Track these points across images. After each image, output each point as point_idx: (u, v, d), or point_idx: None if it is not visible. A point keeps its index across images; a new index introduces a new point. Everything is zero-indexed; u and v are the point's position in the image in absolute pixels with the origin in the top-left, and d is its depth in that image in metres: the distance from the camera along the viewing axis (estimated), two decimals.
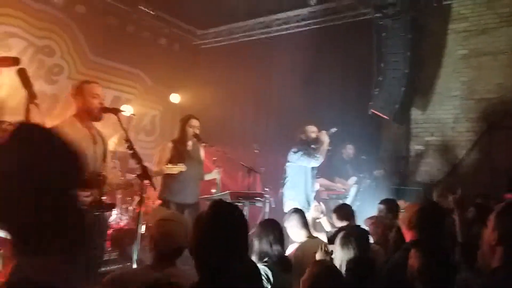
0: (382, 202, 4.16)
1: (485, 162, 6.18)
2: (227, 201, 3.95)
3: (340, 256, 2.80)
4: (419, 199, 3.32)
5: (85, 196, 3.00)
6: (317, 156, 5.06)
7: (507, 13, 6.29)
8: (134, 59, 7.79)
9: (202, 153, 4.60)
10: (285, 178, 5.26)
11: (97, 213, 3.15)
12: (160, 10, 7.95)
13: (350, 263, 2.64)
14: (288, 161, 5.28)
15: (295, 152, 5.17)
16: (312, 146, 5.18)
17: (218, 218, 1.58)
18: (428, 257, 2.15)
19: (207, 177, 4.67)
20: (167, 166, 3.99)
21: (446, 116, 6.67)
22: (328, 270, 2.18)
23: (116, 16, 7.45)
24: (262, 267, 2.84)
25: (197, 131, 4.41)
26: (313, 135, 5.23)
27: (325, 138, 5.15)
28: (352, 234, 3.02)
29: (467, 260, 2.65)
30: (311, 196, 5.17)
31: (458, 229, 3.09)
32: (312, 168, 5.20)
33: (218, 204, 1.66)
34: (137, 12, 7.66)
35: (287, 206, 5.01)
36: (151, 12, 7.79)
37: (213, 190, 4.69)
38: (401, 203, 4.25)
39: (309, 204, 5.02)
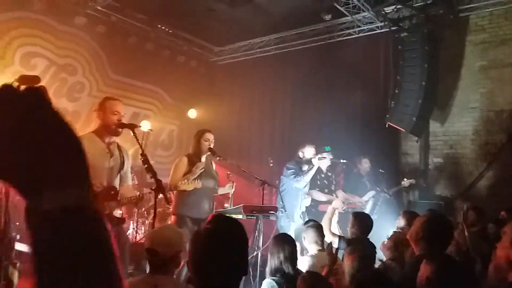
0: (402, 214, 4.10)
1: (506, 174, 6.02)
2: (231, 215, 4.01)
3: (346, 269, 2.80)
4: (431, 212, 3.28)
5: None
6: (301, 179, 5.20)
7: None
8: (153, 76, 7.98)
9: (214, 167, 4.64)
10: (279, 189, 5.34)
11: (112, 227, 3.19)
12: (178, 28, 8.15)
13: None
14: (283, 174, 5.43)
15: (287, 169, 5.34)
16: (305, 167, 5.31)
17: (216, 233, 1.54)
18: (439, 268, 2.11)
19: (220, 191, 4.67)
20: (182, 182, 3.96)
21: (465, 129, 6.55)
22: (314, 283, 2.16)
23: (136, 34, 7.67)
24: (268, 281, 2.83)
25: (212, 145, 4.44)
26: (308, 157, 5.37)
27: (316, 163, 5.24)
28: (358, 249, 3.02)
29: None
30: (299, 211, 5.24)
31: (469, 244, 3.05)
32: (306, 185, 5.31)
33: (216, 219, 1.62)
34: (155, 30, 7.88)
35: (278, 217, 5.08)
36: (168, 30, 7.99)
37: (226, 205, 4.69)
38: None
39: (294, 219, 5.14)
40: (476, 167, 6.37)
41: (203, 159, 4.38)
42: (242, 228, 1.60)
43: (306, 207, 5.49)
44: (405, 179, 6.16)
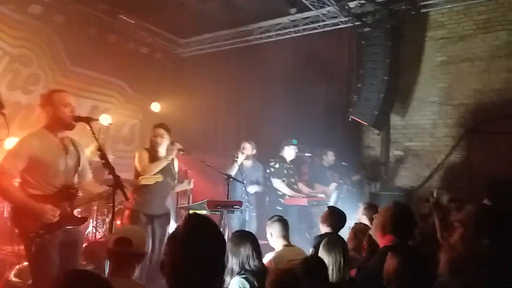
0: (362, 205, 4.17)
1: (463, 166, 6.25)
2: (203, 213, 3.95)
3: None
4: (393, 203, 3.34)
5: (53, 212, 2.94)
6: (229, 171, 5.38)
7: (483, 20, 6.42)
8: (115, 68, 7.71)
9: (176, 163, 4.56)
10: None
11: (68, 227, 3.08)
12: (142, 19, 7.91)
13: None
14: None
15: None
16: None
17: (194, 235, 1.50)
18: (405, 260, 2.14)
19: (178, 188, 4.62)
20: (142, 177, 3.92)
21: (424, 122, 6.74)
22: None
23: (97, 25, 7.37)
24: (239, 279, 2.78)
25: (159, 139, 4.36)
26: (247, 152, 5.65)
27: (240, 157, 5.50)
28: (334, 242, 3.02)
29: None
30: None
31: (438, 232, 3.12)
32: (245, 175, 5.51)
33: (195, 220, 1.57)
34: (118, 21, 7.61)
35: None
36: (132, 21, 7.74)
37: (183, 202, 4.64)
38: None
39: None
40: (435, 159, 6.58)
41: (161, 153, 4.31)
42: (219, 230, 1.58)
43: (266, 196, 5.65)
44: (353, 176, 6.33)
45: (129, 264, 2.25)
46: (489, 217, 1.90)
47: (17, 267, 3.90)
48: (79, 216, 3.37)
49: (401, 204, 2.99)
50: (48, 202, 2.97)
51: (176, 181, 4.53)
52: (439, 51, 6.76)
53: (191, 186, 4.64)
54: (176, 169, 4.56)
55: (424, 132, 6.73)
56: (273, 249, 3.60)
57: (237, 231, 3.26)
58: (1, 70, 6.15)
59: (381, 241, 2.73)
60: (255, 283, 2.78)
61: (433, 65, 6.78)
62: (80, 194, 3.35)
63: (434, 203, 3.45)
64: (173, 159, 4.44)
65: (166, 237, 4.42)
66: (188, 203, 5.63)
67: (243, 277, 2.81)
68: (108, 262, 2.34)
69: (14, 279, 3.86)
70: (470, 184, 5.99)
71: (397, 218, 2.66)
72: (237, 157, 5.47)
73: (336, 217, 3.87)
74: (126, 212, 4.20)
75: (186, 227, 1.52)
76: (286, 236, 3.63)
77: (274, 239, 3.61)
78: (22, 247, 3.05)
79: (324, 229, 3.88)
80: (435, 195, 4.13)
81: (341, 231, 3.84)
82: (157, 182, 3.97)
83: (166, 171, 4.28)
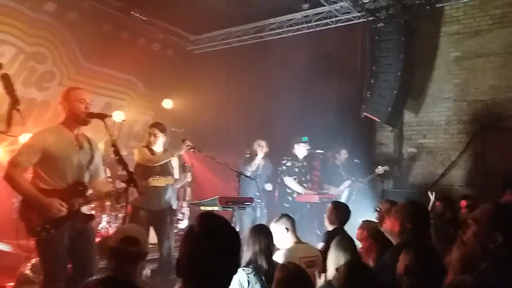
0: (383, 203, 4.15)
1: (478, 163, 6.16)
2: (216, 212, 3.95)
3: (336, 260, 2.78)
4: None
5: (60, 207, 2.98)
6: (247, 168, 5.45)
7: (500, 14, 6.30)
8: (128, 65, 7.73)
9: (175, 160, 4.61)
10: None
11: (76, 223, 3.12)
12: (154, 16, 7.94)
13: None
14: None
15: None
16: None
17: (209, 234, 1.49)
18: (418, 258, 2.13)
19: (177, 183, 4.66)
20: (153, 178, 3.95)
21: (439, 118, 6.65)
22: (293, 273, 2.14)
23: (110, 22, 7.42)
24: (241, 273, 2.78)
25: (153, 138, 4.51)
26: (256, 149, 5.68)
27: (259, 154, 5.58)
28: (346, 239, 3.01)
29: None
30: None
31: (433, 237, 3.14)
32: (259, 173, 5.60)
33: (208, 217, 1.55)
34: (130, 18, 7.65)
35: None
36: (144, 18, 7.78)
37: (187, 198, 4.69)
38: None
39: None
40: (449, 156, 6.50)
41: (159, 151, 4.43)
42: (234, 229, 1.59)
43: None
44: (379, 166, 6.23)
45: (133, 263, 2.25)
46: (503, 214, 1.86)
47: (33, 261, 3.95)
48: (87, 213, 3.39)
49: (416, 202, 2.98)
50: (57, 198, 3.01)
51: (175, 177, 4.57)
52: (454, 47, 6.66)
53: (189, 179, 4.69)
54: (176, 165, 4.62)
55: (438, 129, 6.65)
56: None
57: (255, 226, 3.26)
58: (16, 68, 6.23)
59: (396, 238, 2.73)
60: (263, 278, 2.79)
61: (448, 60, 6.68)
62: (90, 192, 3.38)
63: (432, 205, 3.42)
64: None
65: (171, 231, 4.49)
66: (185, 196, 5.71)
67: (247, 272, 2.81)
68: (109, 261, 2.33)
69: (29, 273, 3.92)
70: (484, 181, 5.90)
71: (412, 215, 2.67)
72: (256, 154, 5.49)
73: (341, 211, 3.90)
74: (128, 207, 4.25)
75: (201, 225, 1.51)
76: (294, 231, 3.60)
77: (289, 234, 3.54)
78: (32, 241, 3.10)
79: (331, 226, 3.87)
80: (433, 198, 4.12)
81: (347, 228, 3.84)
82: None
83: (165, 167, 4.33)
